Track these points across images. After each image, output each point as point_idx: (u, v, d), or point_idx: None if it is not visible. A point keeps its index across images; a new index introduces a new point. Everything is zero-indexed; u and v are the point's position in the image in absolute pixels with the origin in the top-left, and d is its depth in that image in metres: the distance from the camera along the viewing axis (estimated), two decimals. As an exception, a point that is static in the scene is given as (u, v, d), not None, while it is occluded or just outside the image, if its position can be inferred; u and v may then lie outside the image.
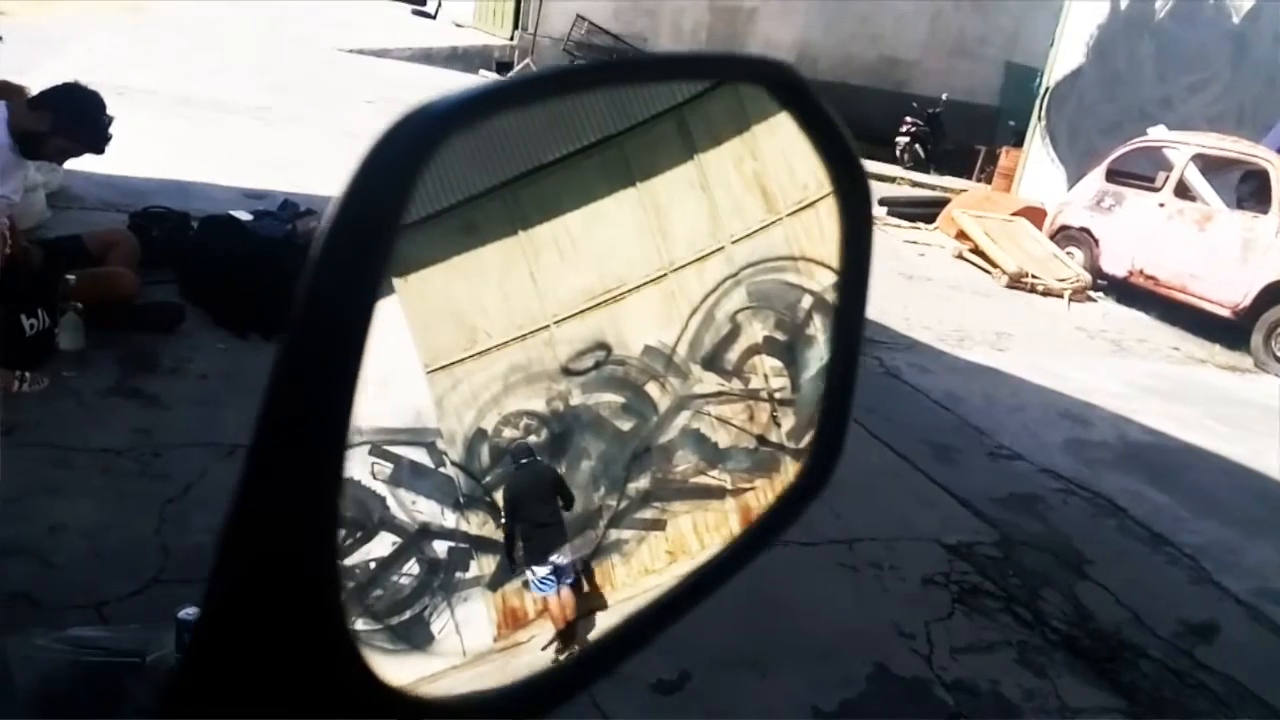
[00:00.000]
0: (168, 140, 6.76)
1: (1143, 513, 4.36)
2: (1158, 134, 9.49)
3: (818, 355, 0.63)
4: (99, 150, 3.79)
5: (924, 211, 11.14)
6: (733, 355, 0.67)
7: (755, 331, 0.67)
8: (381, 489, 0.70)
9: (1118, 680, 3.08)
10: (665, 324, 0.67)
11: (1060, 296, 8.87)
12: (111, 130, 3.77)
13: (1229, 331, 8.26)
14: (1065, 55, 12.00)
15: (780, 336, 0.67)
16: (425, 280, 0.71)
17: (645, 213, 0.69)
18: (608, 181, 0.67)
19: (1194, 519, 4.41)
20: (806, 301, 0.66)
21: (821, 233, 0.64)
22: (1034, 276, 8.97)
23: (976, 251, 9.53)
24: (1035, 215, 10.31)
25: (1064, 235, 9.80)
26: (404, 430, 0.71)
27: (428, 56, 15.12)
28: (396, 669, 0.52)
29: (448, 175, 0.64)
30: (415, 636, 0.70)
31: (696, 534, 0.67)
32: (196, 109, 8.06)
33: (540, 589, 0.52)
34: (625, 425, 0.69)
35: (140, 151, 5.53)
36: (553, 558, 0.53)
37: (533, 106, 0.48)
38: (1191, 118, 10.21)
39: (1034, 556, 3.78)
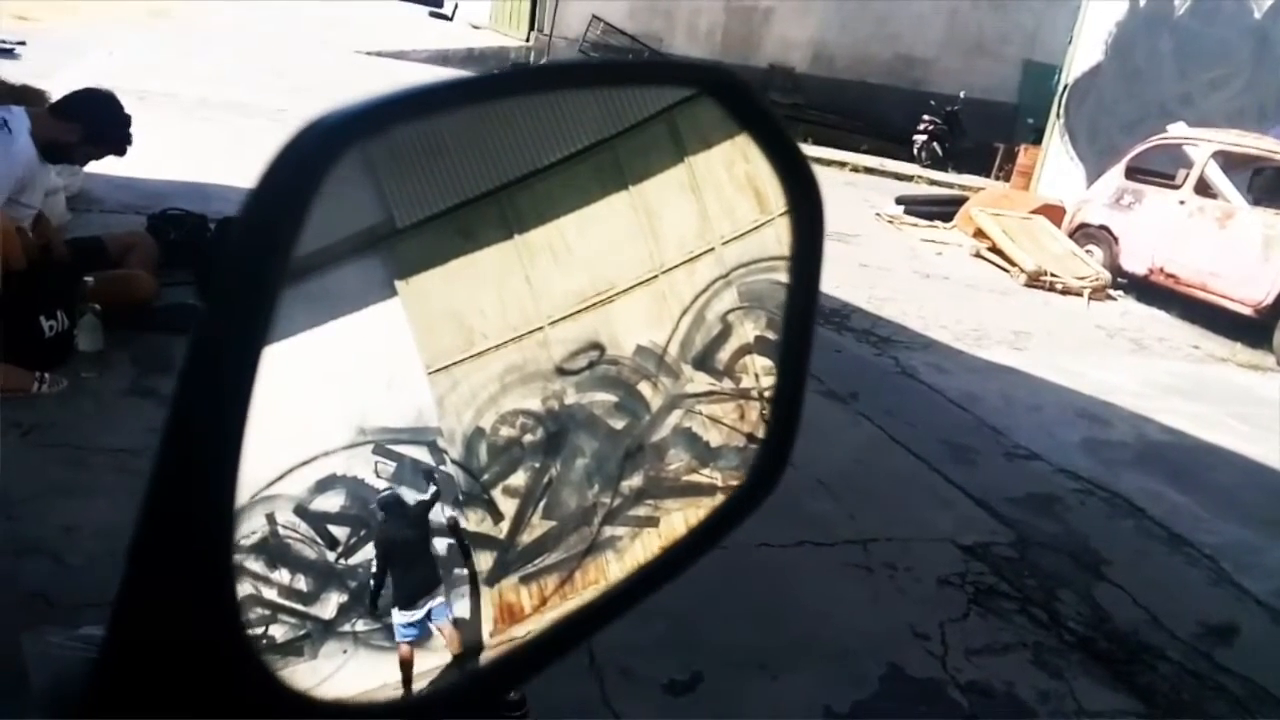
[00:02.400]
0: (186, 143, 6.83)
1: (1161, 513, 4.33)
2: (1178, 131, 9.40)
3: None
4: (123, 152, 3.85)
5: (941, 210, 11.09)
6: (724, 355, 0.68)
7: (746, 331, 0.67)
8: (384, 487, 0.71)
9: (1135, 682, 3.05)
10: (657, 324, 0.68)
11: (1079, 295, 8.81)
12: (130, 130, 3.83)
13: (1250, 330, 8.17)
14: (1084, 52, 11.92)
15: (772, 336, 0.68)
16: (426, 284, 0.72)
17: (637, 215, 0.69)
18: (600, 185, 0.68)
19: (1214, 519, 4.36)
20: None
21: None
22: (1053, 275, 8.91)
23: (994, 250, 9.47)
24: (1054, 213, 10.24)
25: (1083, 233, 9.72)
26: (406, 430, 0.72)
27: (444, 58, 15.20)
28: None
29: (435, 179, 0.65)
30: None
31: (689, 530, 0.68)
32: (215, 111, 8.15)
33: (403, 635, 0.53)
34: (618, 424, 0.70)
35: (159, 154, 5.60)
36: (422, 601, 0.54)
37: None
38: (1212, 114, 10.10)
39: (1051, 557, 3.76)
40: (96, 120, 3.68)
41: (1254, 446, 5.44)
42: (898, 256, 9.05)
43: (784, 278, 0.65)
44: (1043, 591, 3.48)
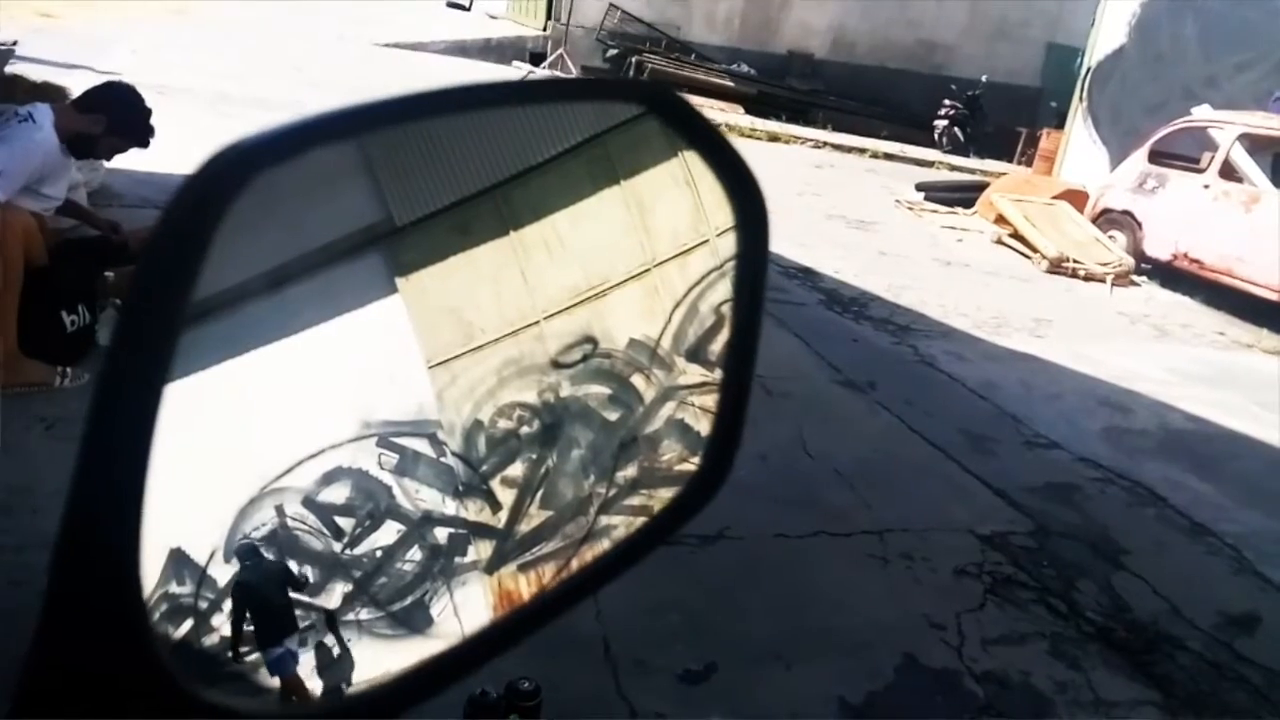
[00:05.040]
0: (206, 137, 6.85)
1: (1183, 502, 4.29)
2: (1202, 114, 9.27)
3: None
4: (146, 144, 3.89)
5: (962, 196, 11.01)
6: (716, 346, 0.68)
7: (740, 322, 0.68)
8: (388, 478, 0.73)
9: (1154, 672, 3.03)
10: (649, 317, 0.69)
11: (1102, 281, 8.72)
12: (153, 122, 3.87)
13: (1276, 315, 8.06)
14: (1107, 35, 11.75)
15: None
16: (425, 280, 0.73)
17: (629, 210, 0.70)
18: (593, 181, 0.68)
19: (1236, 508, 4.32)
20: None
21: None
22: (1075, 261, 8.83)
23: (1016, 236, 9.39)
24: (1077, 198, 10.13)
25: (1106, 218, 9.62)
26: (408, 423, 0.74)
27: (462, 49, 15.23)
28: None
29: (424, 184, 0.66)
30: (416, 620, 0.72)
31: (682, 521, 0.68)
32: (235, 106, 8.21)
33: (276, 669, 0.55)
34: (612, 415, 0.70)
35: (179, 148, 5.65)
36: (286, 641, 0.56)
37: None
38: (1238, 97, 9.94)
39: (1070, 547, 3.74)
40: (119, 111, 3.71)
41: (1279, 434, 5.38)
42: (917, 244, 8.99)
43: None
44: (1061, 581, 3.47)
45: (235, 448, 0.61)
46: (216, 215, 0.40)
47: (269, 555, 0.57)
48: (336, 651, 0.60)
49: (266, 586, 0.57)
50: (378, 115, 0.49)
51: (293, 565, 0.59)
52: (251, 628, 0.54)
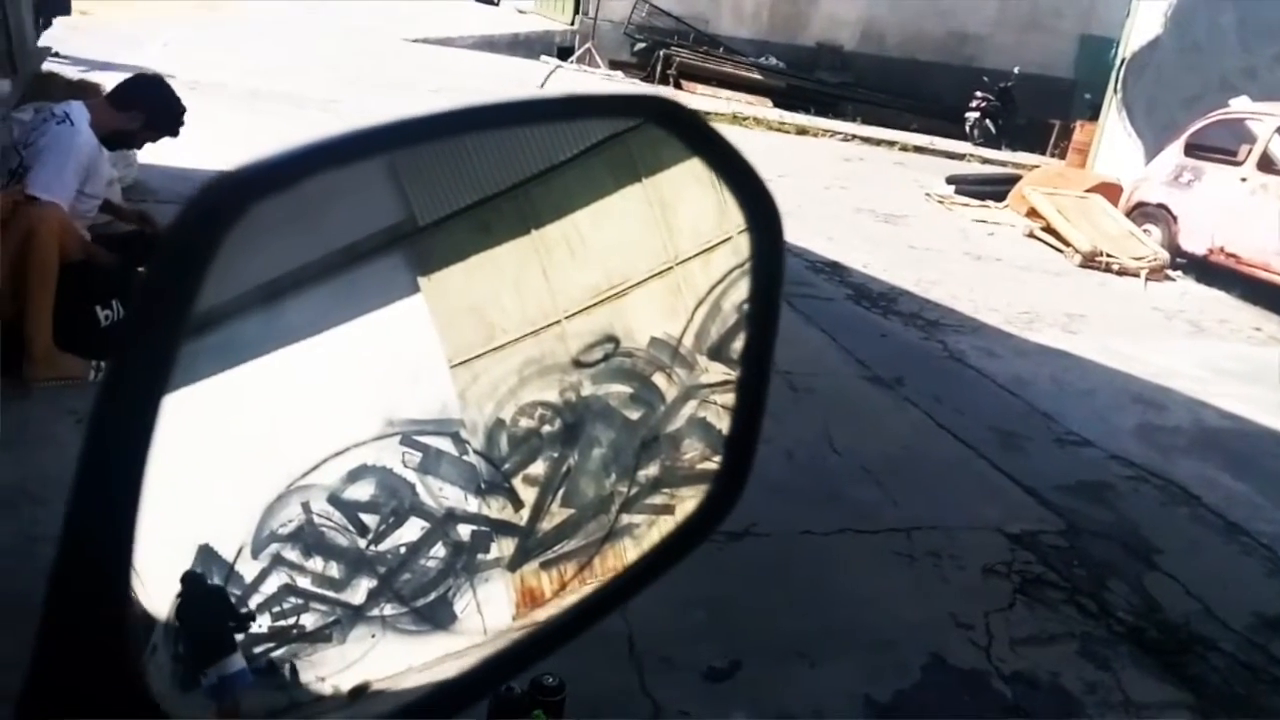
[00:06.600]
0: (239, 133, 6.95)
1: (1217, 500, 4.22)
2: (1240, 105, 9.09)
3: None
4: (177, 133, 3.94)
5: (993, 189, 10.87)
6: (739, 344, 0.68)
7: (764, 319, 0.67)
8: (412, 476, 0.73)
9: (1186, 674, 2.99)
10: (671, 316, 0.69)
11: (1136, 276, 8.59)
12: (184, 111, 3.93)
13: (1316, 312, 7.91)
14: (1142, 25, 11.56)
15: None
16: (447, 279, 0.74)
17: (651, 208, 0.70)
18: (615, 178, 0.68)
19: (1272, 507, 4.24)
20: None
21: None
22: (1109, 255, 8.70)
23: (1048, 230, 9.27)
24: (1111, 191, 9.99)
25: (1141, 212, 9.47)
26: (432, 421, 0.74)
27: (490, 44, 15.27)
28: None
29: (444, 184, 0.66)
30: (440, 616, 0.73)
31: (704, 520, 0.68)
32: (267, 102, 8.28)
33: (208, 696, 0.54)
34: (634, 414, 0.70)
35: (212, 144, 5.71)
36: (213, 670, 0.55)
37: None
38: (1277, 88, 9.73)
39: (1101, 546, 3.69)
40: (155, 106, 3.77)
41: (1318, 432, 5.28)
42: (948, 238, 8.90)
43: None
44: (1092, 581, 3.42)
45: (261, 445, 0.61)
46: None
47: (213, 579, 0.56)
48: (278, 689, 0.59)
49: (206, 613, 0.56)
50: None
51: (232, 592, 0.58)
52: (187, 651, 0.54)
